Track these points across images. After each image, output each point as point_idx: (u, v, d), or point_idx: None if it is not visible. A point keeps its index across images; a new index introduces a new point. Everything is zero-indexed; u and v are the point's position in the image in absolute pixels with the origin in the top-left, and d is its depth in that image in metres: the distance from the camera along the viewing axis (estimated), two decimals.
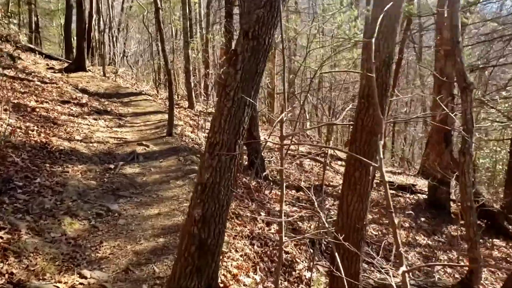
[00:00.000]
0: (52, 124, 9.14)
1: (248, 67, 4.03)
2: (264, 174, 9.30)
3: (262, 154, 10.15)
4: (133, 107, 13.49)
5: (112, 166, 7.69)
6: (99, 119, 11.01)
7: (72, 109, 10.93)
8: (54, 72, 16.47)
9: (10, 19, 16.33)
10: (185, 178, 7.41)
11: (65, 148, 7.95)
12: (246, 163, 10.06)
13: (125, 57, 25.58)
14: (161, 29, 9.55)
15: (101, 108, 12.19)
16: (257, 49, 4.05)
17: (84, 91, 13.86)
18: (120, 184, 7.00)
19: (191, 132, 11.13)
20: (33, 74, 13.44)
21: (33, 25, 28.58)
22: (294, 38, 16.45)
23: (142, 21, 19.82)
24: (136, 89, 17.01)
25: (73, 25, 20.36)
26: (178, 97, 17.86)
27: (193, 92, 15.64)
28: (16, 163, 6.40)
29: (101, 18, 26.21)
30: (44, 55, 20.63)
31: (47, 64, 17.72)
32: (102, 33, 26.64)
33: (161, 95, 17.65)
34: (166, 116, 12.16)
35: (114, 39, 25.69)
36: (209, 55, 20.55)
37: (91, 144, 8.73)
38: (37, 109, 9.69)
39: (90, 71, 18.40)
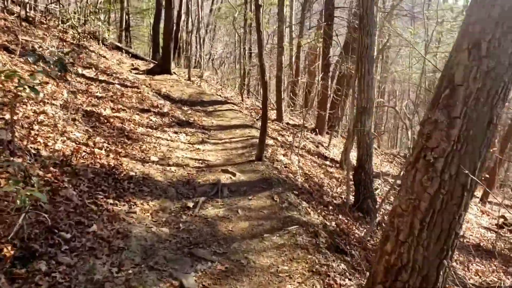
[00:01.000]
0: (126, 140, 7.61)
1: (476, 114, 1.96)
2: (376, 220, 7.12)
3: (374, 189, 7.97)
4: (217, 117, 11.83)
5: (191, 203, 5.91)
6: (180, 132, 9.40)
7: (151, 120, 9.43)
8: (138, 74, 15.33)
9: (97, 16, 15.41)
10: (283, 232, 5.45)
11: (136, 174, 6.32)
12: (352, 200, 7.94)
13: (211, 60, 24.35)
14: (260, 31, 7.69)
15: (183, 118, 10.62)
16: (494, 77, 1.98)
17: (166, 97, 12.44)
18: (199, 234, 5.19)
19: (283, 155, 9.19)
20: (114, 75, 12.23)
21: (124, 24, 28.30)
22: None
23: (232, 22, 18.26)
24: (220, 96, 15.42)
25: (162, 25, 19.35)
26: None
27: (282, 103, 13.75)
28: (70, 199, 4.79)
29: (190, 19, 25.28)
30: (130, 55, 19.78)
31: (132, 65, 16.68)
32: (190, 34, 25.66)
33: (246, 104, 15.95)
34: (253, 132, 10.36)
35: (201, 40, 24.55)
36: (300, 61, 18.59)
37: (168, 168, 7.07)
38: (112, 119, 8.24)
39: (175, 73, 17.13)
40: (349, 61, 14.27)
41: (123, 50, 19.69)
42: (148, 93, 11.17)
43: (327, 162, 11.63)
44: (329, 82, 14.91)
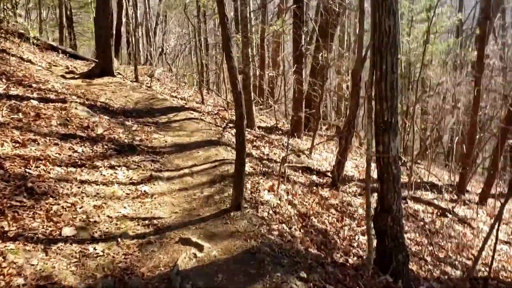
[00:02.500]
0: (25, 199, 4.61)
1: None
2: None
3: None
4: (172, 132, 8.86)
5: None
6: (119, 166, 6.42)
7: (76, 151, 6.40)
8: (73, 78, 12.05)
9: (14, 11, 11.97)
10: None
11: (26, 280, 3.39)
12: (374, 256, 5.26)
13: (163, 55, 21.06)
14: (225, 17, 4.75)
15: (126, 140, 7.60)
16: None
17: (104, 109, 9.32)
18: None
19: (268, 190, 6.39)
20: (34, 86, 9.00)
21: (64, 20, 24.43)
22: None
23: (183, 11, 15.13)
24: (176, 98, 12.39)
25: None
26: (227, 105, 13.18)
27: (253, 106, 10.90)
28: None
29: (134, 10, 21.81)
30: (68, 55, 16.34)
31: (68, 67, 13.33)
32: (139, 27, 22.22)
33: (208, 105, 12.98)
34: (221, 152, 7.53)
35: (151, 33, 21.20)
36: (265, 51, 15.74)
37: (90, 251, 4.13)
38: (9, 162, 5.19)
39: (119, 74, 13.91)
40: (326, 49, 11.57)
41: (59, 50, 16.22)
42: (76, 108, 8.03)
43: (315, 178, 8.94)
44: (304, 76, 12.15)
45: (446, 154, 20.33)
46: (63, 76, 11.89)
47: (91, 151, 6.63)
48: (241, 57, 10.37)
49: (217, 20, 22.50)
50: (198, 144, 8.07)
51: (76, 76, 12.38)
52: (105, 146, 6.95)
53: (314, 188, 7.93)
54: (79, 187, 5.40)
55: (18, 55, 11.51)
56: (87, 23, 29.99)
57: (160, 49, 21.62)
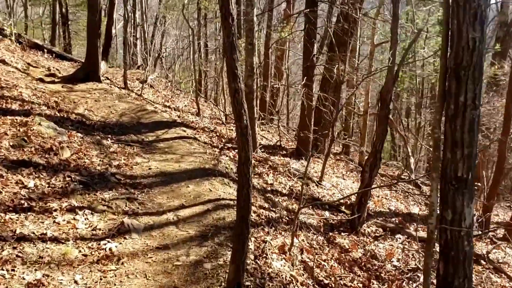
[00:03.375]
0: None
1: None
2: None
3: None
4: (159, 154, 7.21)
5: None
6: (81, 209, 4.76)
7: (26, 186, 4.75)
8: (52, 83, 10.39)
9: None
10: None
11: None
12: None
13: (160, 58, 19.41)
14: (230, 23, 3.11)
15: (98, 167, 5.94)
16: None
17: (79, 123, 7.64)
18: None
19: (280, 253, 4.73)
20: None
21: (58, 17, 22.76)
22: None
23: (181, 12, 13.50)
24: (168, 111, 10.73)
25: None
26: (225, 119, 11.57)
27: (256, 123, 9.27)
28: None
29: (132, 9, 20.19)
30: (54, 54, 14.70)
31: (49, 69, 11.66)
32: (136, 28, 20.57)
33: (204, 119, 11.35)
34: (217, 186, 5.91)
35: (147, 35, 19.56)
36: (270, 60, 14.11)
37: None
38: None
39: (108, 79, 12.26)
40: (341, 61, 9.98)
41: (45, 49, 14.56)
42: (40, 123, 6.35)
43: (327, 214, 7.34)
44: (314, 90, 10.55)
45: None
46: (41, 80, 10.23)
47: (47, 185, 4.97)
48: (244, 67, 8.74)
49: (218, 24, 20.89)
50: (189, 174, 6.41)
51: (56, 80, 10.71)
52: (68, 178, 5.28)
53: (330, 234, 6.29)
54: (14, 248, 3.75)
55: None
56: (84, 21, 28.32)
57: (157, 53, 19.98)
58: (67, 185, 5.12)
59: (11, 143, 5.54)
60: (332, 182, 9.73)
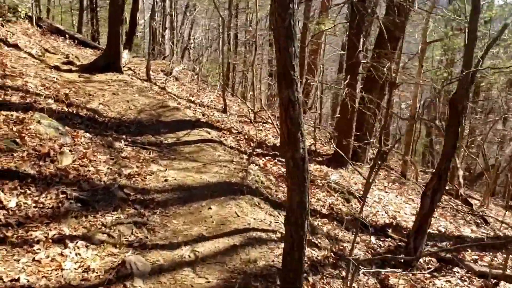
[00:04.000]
0: None
1: None
2: None
3: None
4: (179, 161, 6.06)
5: None
6: (73, 239, 3.64)
7: (5, 207, 3.67)
8: (69, 71, 9.38)
9: None
10: None
11: None
12: None
13: (188, 49, 18.31)
14: (288, 4, 1.91)
15: (104, 179, 4.83)
16: None
17: (89, 121, 6.55)
18: None
19: None
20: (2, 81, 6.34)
21: (85, 2, 21.89)
22: None
23: (213, 1, 12.30)
24: (191, 108, 9.60)
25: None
26: (254, 117, 10.40)
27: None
28: None
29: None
30: (77, 41, 13.75)
31: (67, 56, 10.67)
32: (164, 17, 19.52)
33: (230, 117, 10.18)
34: (245, 209, 4.72)
35: (175, 24, 18.44)
36: (306, 54, 12.78)
37: None
38: None
39: (130, 69, 11.21)
40: (391, 58, 8.63)
41: (67, 35, 13.62)
42: (39, 121, 5.28)
43: (374, 241, 6.09)
44: (357, 90, 9.22)
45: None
46: (56, 68, 9.22)
47: (33, 204, 3.89)
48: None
49: (249, 15, 19.61)
50: (212, 189, 5.23)
51: (73, 69, 9.70)
52: (63, 194, 4.19)
53: (383, 274, 5.02)
54: None
55: (1, 37, 8.87)
56: None
57: (185, 44, 18.91)
58: (59, 204, 4.02)
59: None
60: (374, 196, 8.42)
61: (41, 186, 4.15)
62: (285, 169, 7.31)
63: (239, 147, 7.51)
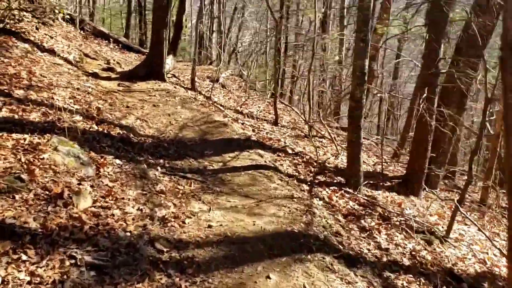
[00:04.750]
0: None
1: None
2: None
3: None
4: (226, 197, 4.79)
5: None
6: None
7: None
8: (108, 79, 8.42)
9: None
10: None
11: None
12: None
13: (236, 53, 17.17)
14: None
15: (130, 227, 3.62)
16: None
17: (122, 142, 5.41)
18: None
19: None
20: (18, 94, 5.32)
21: (133, 4, 21.27)
22: None
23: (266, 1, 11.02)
24: (240, 121, 8.35)
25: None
26: (309, 130, 9.05)
27: (361, 150, 6.55)
28: None
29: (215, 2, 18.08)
30: (121, 45, 12.94)
31: (108, 62, 9.75)
32: (212, 20, 18.51)
33: (282, 130, 8.85)
34: (319, 282, 3.31)
35: (223, 27, 17.36)
36: None
37: None
38: None
39: (173, 76, 10.16)
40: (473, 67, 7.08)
41: (110, 39, 12.82)
42: (57, 148, 4.17)
43: None
44: (435, 104, 7.62)
45: None
46: (94, 75, 8.28)
47: (27, 278, 2.72)
48: (352, 73, 6.10)
49: (301, 17, 18.20)
50: (270, 243, 3.91)
51: (113, 76, 8.74)
52: (71, 259, 3.00)
53: None
54: None
55: (36, 41, 7.99)
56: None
57: (232, 48, 17.77)
58: (65, 275, 2.83)
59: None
60: (454, 232, 6.80)
61: (43, 248, 2.99)
62: (355, 203, 5.88)
63: (297, 174, 6.16)
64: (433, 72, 7.44)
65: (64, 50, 8.71)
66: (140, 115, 6.72)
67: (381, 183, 7.94)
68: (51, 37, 9.15)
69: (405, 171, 8.71)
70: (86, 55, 9.62)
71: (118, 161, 4.76)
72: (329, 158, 8.05)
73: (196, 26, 9.79)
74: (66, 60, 8.20)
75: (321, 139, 9.39)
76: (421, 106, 7.27)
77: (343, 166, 7.72)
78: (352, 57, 12.99)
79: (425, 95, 7.30)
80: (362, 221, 5.43)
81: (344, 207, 5.71)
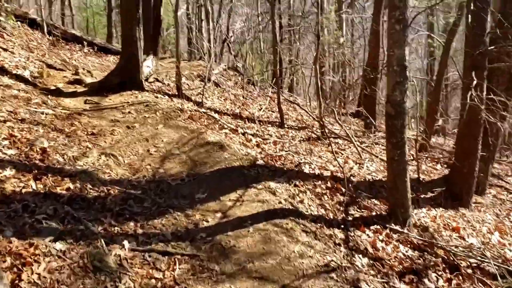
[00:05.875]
0: None
1: None
2: None
3: None
4: (229, 285, 3.00)
5: None
6: None
7: None
8: (74, 95, 6.58)
9: None
10: None
11: None
12: None
13: (227, 44, 15.14)
14: None
15: None
16: None
17: (71, 201, 3.60)
18: None
19: None
20: None
21: (112, 2, 19.07)
22: None
23: None
24: (238, 135, 6.51)
25: None
26: (322, 135, 7.30)
27: (408, 173, 4.74)
28: None
29: None
30: (96, 48, 11.01)
31: (77, 72, 7.87)
32: (198, 8, 16.43)
33: (291, 134, 7.06)
34: None
35: (213, 17, 15.33)
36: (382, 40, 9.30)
37: None
38: None
39: (157, 80, 8.30)
40: None
41: (84, 42, 10.89)
42: None
43: None
44: (484, 92, 5.77)
45: None
46: (56, 92, 6.44)
47: None
48: (387, 66, 4.23)
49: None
50: None
51: (79, 91, 6.88)
52: None
53: None
54: None
55: None
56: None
57: (223, 37, 15.73)
58: None
59: None
60: None
61: None
62: (407, 248, 4.09)
63: (324, 212, 4.36)
64: (482, 51, 5.58)
65: (19, 65, 6.84)
66: (107, 146, 4.90)
67: (421, 195, 6.17)
68: (4, 50, 7.29)
69: (447, 173, 6.93)
70: (50, 67, 7.76)
71: (59, 245, 2.98)
72: (352, 168, 6.27)
73: (175, 17, 7.84)
74: (19, 78, 6.35)
75: (335, 139, 7.63)
76: (472, 94, 5.45)
77: (372, 178, 5.94)
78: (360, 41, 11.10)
79: (475, 82, 5.46)
80: (426, 280, 3.67)
81: (395, 257, 3.94)
